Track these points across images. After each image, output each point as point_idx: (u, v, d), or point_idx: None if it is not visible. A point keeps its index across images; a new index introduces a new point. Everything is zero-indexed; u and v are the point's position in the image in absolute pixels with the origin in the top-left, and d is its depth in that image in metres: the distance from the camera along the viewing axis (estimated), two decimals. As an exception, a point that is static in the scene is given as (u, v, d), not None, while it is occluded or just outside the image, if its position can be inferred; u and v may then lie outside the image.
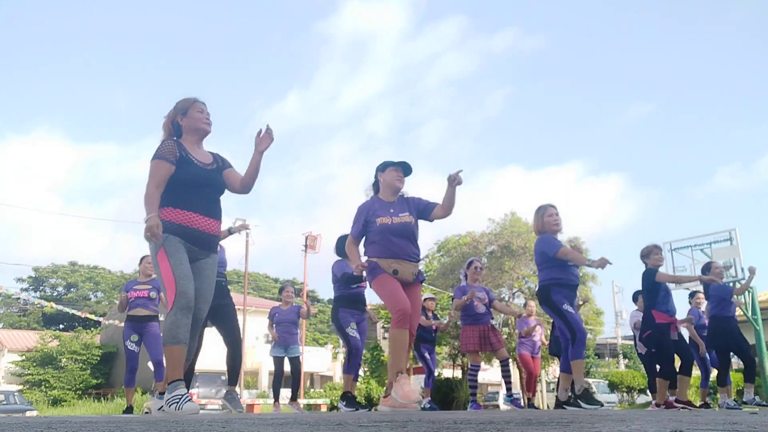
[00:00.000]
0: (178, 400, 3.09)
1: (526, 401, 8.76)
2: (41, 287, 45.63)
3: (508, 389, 7.13)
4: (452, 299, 7.10)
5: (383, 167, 4.38)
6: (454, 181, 4.11)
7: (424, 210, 4.33)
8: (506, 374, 7.08)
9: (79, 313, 25.63)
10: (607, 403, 14.52)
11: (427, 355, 7.99)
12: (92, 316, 27.15)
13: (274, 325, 7.50)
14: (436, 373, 8.76)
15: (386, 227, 4.17)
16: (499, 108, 76.59)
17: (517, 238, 21.48)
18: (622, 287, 36.94)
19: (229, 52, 76.28)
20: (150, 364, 6.50)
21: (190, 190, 3.35)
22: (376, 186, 4.43)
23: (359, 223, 4.27)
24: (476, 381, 7.03)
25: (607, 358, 41.92)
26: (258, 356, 28.85)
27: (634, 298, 8.00)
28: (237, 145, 73.83)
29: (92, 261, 51.45)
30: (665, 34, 72.83)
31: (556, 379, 6.27)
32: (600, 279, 22.65)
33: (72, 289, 45.36)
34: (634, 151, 73.82)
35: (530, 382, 8.26)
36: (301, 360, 7.81)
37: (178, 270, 3.21)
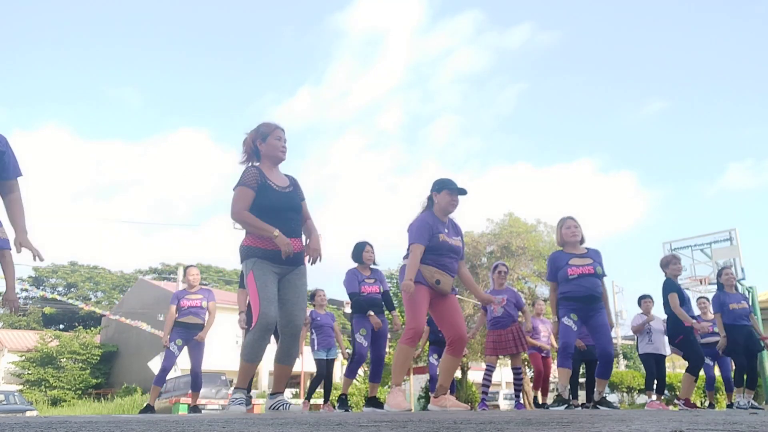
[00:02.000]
0: (233, 402, 3.69)
1: (531, 400, 8.74)
2: (41, 287, 45.65)
3: (517, 396, 7.12)
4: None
5: (439, 188, 4.48)
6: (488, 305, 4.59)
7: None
8: (518, 382, 7.09)
9: (83, 305, 25.67)
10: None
11: (433, 360, 7.99)
12: (96, 309, 27.19)
13: (313, 330, 7.64)
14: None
15: (447, 245, 4.38)
16: (511, 104, 75.95)
17: (516, 238, 21.48)
18: (622, 287, 36.93)
19: (241, 45, 75.72)
20: (151, 366, 6.59)
21: (271, 214, 3.60)
22: (430, 201, 4.54)
23: (426, 234, 4.37)
24: (490, 382, 7.04)
25: (607, 358, 41.91)
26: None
27: (639, 302, 8.07)
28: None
29: (94, 261, 51.46)
30: (682, 28, 72.50)
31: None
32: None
33: (72, 289, 45.35)
34: (646, 148, 73.12)
35: (538, 382, 8.24)
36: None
37: (263, 292, 3.50)
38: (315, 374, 7.62)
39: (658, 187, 77.55)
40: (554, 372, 7.50)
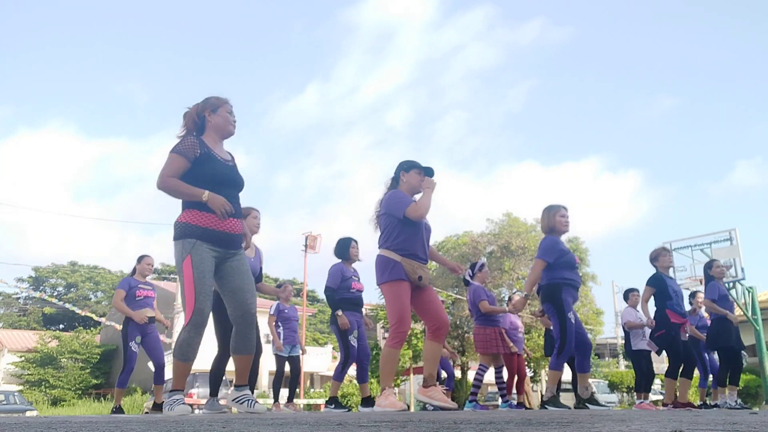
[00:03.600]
0: (171, 404, 3.34)
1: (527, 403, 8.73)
2: (41, 287, 45.66)
3: (503, 395, 7.11)
4: (478, 300, 6.97)
5: (408, 167, 4.24)
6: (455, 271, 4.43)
7: None
8: (500, 380, 7.08)
9: (80, 311, 25.67)
10: (607, 403, 14.51)
11: None
12: (93, 315, 27.17)
13: (279, 323, 7.32)
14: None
15: (426, 225, 4.15)
16: (521, 101, 75.66)
17: (516, 238, 21.49)
18: (622, 287, 36.79)
19: (250, 42, 75.61)
20: (150, 365, 6.43)
21: (214, 188, 3.31)
22: (395, 182, 4.28)
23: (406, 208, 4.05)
24: (481, 382, 7.05)
25: (607, 358, 41.93)
26: (258, 356, 28.82)
27: (625, 296, 8.09)
28: (253, 139, 73.08)
29: (95, 260, 51.58)
30: (693, 26, 72.10)
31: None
32: (600, 279, 22.66)
33: (72, 289, 45.36)
34: (655, 146, 72.66)
35: (511, 384, 8.19)
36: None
37: (199, 285, 3.23)
38: (276, 372, 7.31)
39: (664, 185, 77.36)
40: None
